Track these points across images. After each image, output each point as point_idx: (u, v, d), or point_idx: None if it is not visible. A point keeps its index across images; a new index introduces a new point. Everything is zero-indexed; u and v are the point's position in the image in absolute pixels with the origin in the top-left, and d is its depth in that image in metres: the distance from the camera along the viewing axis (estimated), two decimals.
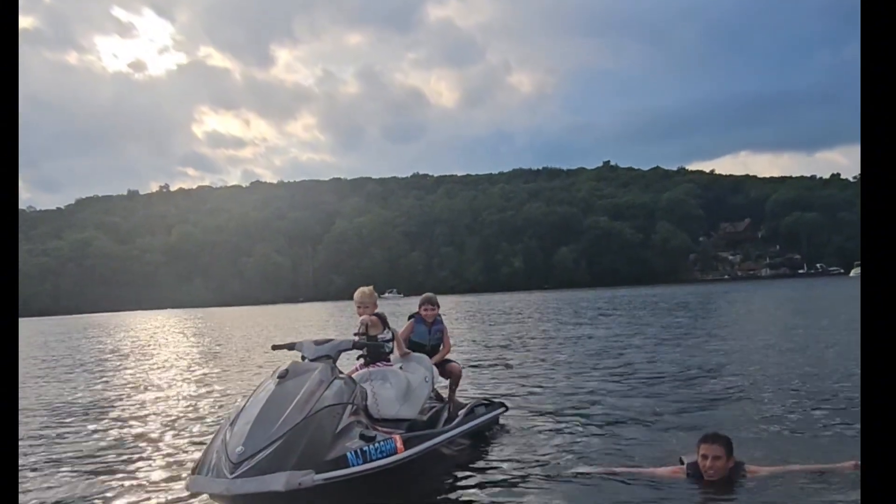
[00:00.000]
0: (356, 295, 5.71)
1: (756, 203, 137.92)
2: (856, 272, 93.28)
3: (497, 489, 4.44)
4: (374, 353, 5.44)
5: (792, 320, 17.94)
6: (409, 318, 6.46)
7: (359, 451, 3.97)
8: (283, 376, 4.26)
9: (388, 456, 4.07)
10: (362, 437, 4.09)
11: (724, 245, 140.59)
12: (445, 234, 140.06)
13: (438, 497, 4.41)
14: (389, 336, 5.73)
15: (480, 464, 5.09)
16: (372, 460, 3.98)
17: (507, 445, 5.60)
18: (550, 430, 6.14)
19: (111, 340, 25.15)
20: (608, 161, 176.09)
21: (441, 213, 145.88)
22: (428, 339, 6.37)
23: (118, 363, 15.43)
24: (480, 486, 4.55)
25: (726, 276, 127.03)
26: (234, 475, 3.62)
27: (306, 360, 4.64)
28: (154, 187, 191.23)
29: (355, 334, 5.58)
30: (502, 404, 6.66)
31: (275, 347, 5.27)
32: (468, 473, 4.85)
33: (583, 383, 8.84)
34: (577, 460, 4.97)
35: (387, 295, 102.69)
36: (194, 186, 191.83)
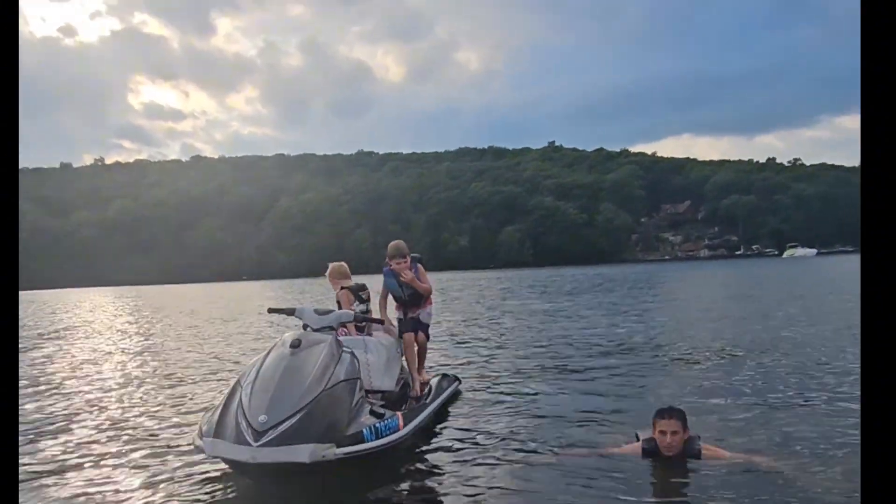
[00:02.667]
0: (329, 270, 6.11)
1: (696, 185, 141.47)
2: (789, 253, 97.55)
3: (448, 470, 4.30)
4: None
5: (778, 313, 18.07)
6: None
7: (372, 427, 4.03)
8: (296, 346, 4.25)
9: (393, 433, 4.14)
10: (373, 413, 4.22)
11: (666, 226, 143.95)
12: (392, 211, 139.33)
13: (395, 479, 4.25)
14: (361, 308, 5.85)
15: (431, 444, 4.91)
16: (382, 437, 4.04)
17: (460, 424, 5.41)
18: (503, 406, 5.96)
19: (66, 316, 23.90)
20: (553, 141, 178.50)
21: (387, 191, 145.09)
22: (401, 291, 6.09)
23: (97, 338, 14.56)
24: (432, 467, 4.42)
25: (667, 257, 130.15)
26: (258, 443, 3.60)
27: (309, 329, 4.62)
28: (88, 160, 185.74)
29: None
30: (456, 378, 6.68)
31: (271, 311, 5.17)
32: (419, 456, 4.66)
33: (535, 360, 8.70)
34: (532, 442, 4.79)
35: None
36: (131, 160, 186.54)
